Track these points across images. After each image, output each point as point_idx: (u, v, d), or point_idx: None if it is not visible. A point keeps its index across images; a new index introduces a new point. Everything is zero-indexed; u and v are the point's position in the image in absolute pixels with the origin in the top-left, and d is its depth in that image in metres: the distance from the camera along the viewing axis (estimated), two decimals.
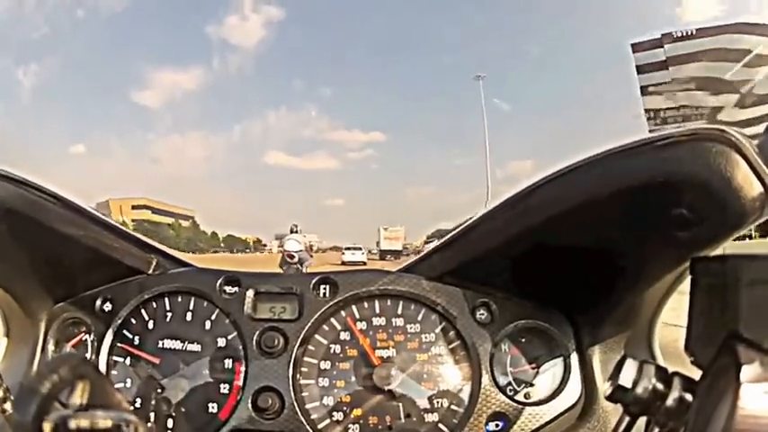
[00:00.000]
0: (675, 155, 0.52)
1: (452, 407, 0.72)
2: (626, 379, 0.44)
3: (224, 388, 0.73)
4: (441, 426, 0.71)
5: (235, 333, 0.76)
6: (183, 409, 0.72)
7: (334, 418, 0.71)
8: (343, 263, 24.40)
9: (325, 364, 0.74)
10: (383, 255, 35.50)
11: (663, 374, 0.44)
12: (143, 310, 0.79)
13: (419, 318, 0.76)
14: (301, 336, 0.74)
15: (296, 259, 6.46)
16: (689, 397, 0.41)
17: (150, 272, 0.82)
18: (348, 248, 27.86)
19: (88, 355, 0.78)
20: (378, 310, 0.77)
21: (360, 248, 28.05)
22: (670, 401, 0.41)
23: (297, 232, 7.06)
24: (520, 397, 0.73)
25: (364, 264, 24.45)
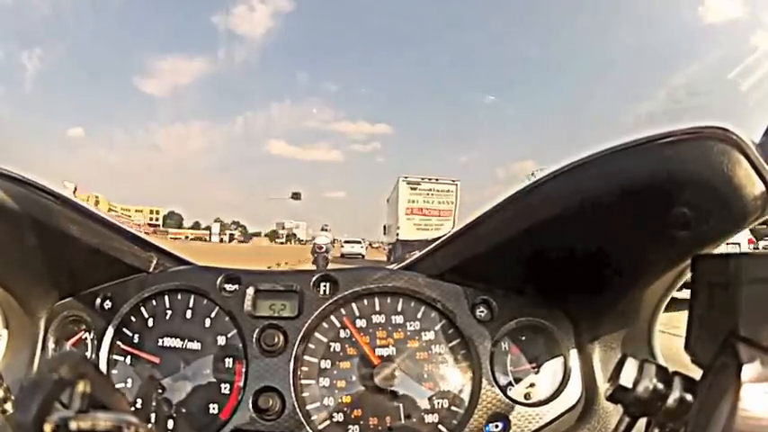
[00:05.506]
0: (677, 153, 0.51)
1: (452, 407, 0.71)
2: (627, 379, 0.44)
3: (225, 388, 0.73)
4: (441, 427, 0.70)
5: (235, 331, 0.76)
6: (183, 410, 0.72)
7: (335, 420, 0.71)
8: (343, 255, 24.22)
9: (326, 363, 0.74)
10: (400, 252, 17.82)
11: (663, 374, 0.44)
12: (143, 308, 0.79)
13: (419, 315, 0.76)
14: (301, 333, 0.74)
15: (324, 249, 10.51)
16: (689, 397, 0.41)
17: (151, 270, 0.82)
18: (347, 241, 27.67)
19: (88, 354, 0.78)
20: (377, 308, 0.77)
21: (359, 241, 27.78)
22: (670, 402, 0.41)
23: (327, 230, 11.38)
24: (520, 397, 0.73)
25: (363, 257, 24.54)
